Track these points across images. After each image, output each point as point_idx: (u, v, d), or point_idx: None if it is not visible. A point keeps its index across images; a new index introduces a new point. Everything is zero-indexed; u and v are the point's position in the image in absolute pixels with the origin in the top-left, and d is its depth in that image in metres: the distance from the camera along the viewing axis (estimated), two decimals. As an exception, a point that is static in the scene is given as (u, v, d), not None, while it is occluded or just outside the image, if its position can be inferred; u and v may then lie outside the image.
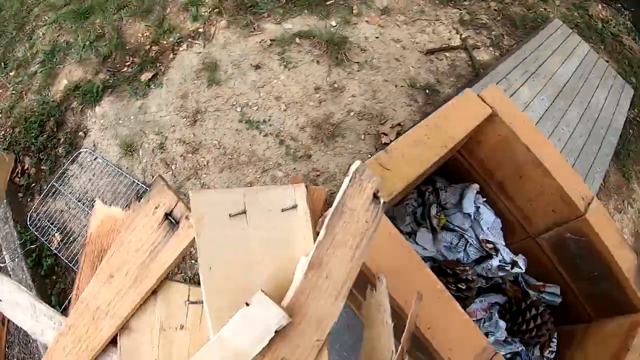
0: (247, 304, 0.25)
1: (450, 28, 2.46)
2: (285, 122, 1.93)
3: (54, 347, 0.32)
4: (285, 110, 1.96)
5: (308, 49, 2.16)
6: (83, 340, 0.32)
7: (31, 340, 1.66)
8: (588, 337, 0.91)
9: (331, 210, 0.30)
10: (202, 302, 0.29)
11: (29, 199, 1.89)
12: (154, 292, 0.30)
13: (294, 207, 0.27)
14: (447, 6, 2.55)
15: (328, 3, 2.36)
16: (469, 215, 0.93)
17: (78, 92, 2.01)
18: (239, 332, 0.27)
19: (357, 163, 0.33)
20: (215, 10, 2.24)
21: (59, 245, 1.78)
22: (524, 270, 0.96)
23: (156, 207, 0.29)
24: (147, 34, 2.15)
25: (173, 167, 1.85)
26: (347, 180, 0.31)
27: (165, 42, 2.14)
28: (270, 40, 2.16)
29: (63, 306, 1.64)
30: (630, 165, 2.48)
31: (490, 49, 2.50)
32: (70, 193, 1.86)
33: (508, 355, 0.90)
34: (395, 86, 2.09)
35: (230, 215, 0.26)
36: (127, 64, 2.08)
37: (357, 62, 2.15)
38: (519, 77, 2.28)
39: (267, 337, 0.26)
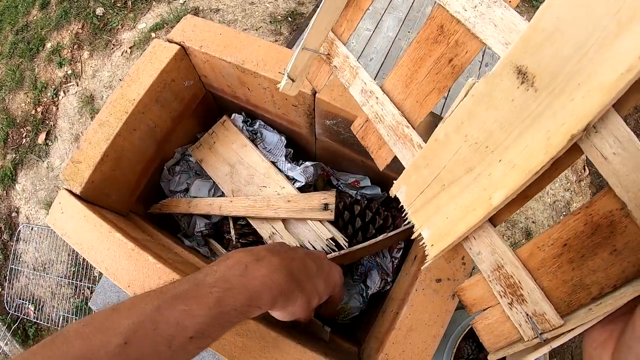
0: None
1: (301, -60, 2.20)
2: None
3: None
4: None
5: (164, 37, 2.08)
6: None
7: None
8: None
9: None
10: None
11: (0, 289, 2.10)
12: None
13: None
14: None
15: (170, -18, 2.23)
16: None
17: (-3, 180, 2.16)
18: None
19: None
20: (75, 47, 2.24)
21: (35, 314, 1.97)
22: (303, 183, 0.86)
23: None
24: (28, 100, 2.22)
25: (89, 209, 1.93)
26: None
27: (45, 99, 2.19)
28: (130, 48, 2.12)
29: None
30: None
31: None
32: (26, 267, 2.03)
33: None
34: (257, 30, 1.94)
35: None
36: (24, 135, 2.17)
37: (214, 27, 2.03)
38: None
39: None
